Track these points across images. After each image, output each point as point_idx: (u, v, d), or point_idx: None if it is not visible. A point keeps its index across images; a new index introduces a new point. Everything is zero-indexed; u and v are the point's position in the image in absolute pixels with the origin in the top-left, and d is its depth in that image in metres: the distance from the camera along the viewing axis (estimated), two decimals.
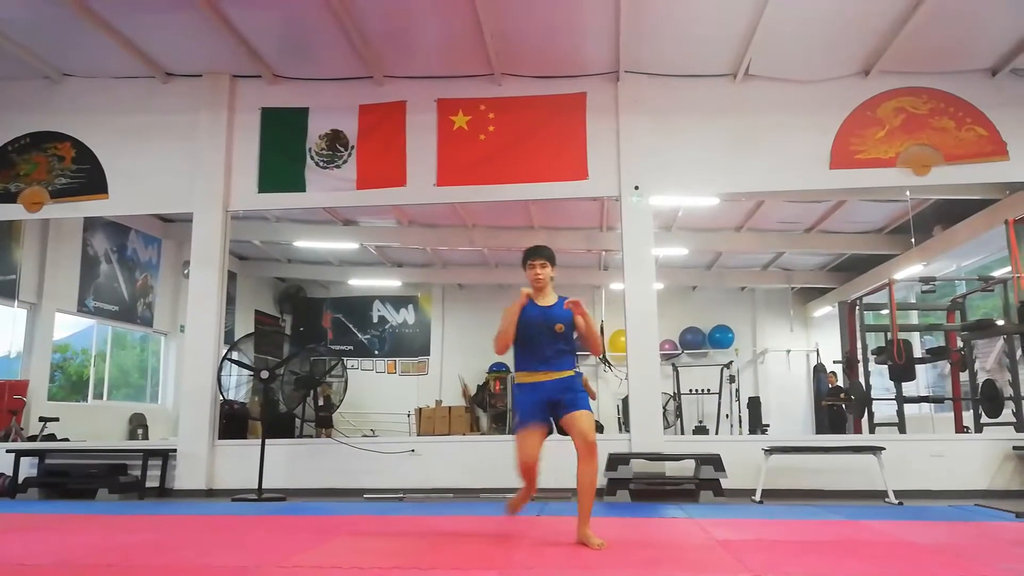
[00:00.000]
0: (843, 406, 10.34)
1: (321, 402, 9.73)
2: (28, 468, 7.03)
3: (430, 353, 15.64)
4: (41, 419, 8.50)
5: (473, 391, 14.87)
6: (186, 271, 10.60)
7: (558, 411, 3.89)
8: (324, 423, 9.97)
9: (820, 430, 12.29)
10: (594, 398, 4.00)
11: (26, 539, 4.22)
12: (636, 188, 7.13)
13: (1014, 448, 6.54)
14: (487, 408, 14.58)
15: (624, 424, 12.49)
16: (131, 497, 6.74)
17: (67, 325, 10.26)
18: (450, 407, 13.77)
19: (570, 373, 3.95)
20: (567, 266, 14.17)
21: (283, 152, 7.49)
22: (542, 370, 3.95)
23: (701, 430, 13.27)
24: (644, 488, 6.35)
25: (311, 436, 9.48)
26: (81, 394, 10.60)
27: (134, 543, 4.00)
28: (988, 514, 5.15)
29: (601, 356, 14.44)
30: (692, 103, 7.32)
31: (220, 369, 6.95)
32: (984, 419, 8.26)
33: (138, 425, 10.80)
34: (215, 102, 7.54)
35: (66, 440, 8.31)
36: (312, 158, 7.46)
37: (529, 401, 3.95)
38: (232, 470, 6.96)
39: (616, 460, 6.42)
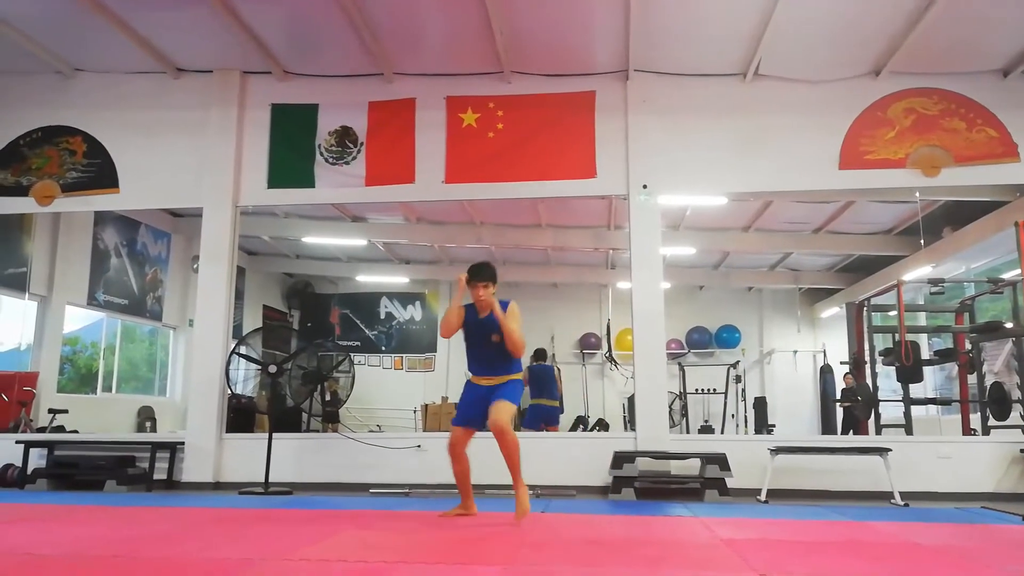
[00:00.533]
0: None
1: (328, 397, 9.77)
2: (37, 459, 7.09)
3: (437, 350, 15.67)
4: (50, 411, 8.57)
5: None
6: (195, 266, 10.65)
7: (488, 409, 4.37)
8: (331, 418, 10.01)
9: (826, 431, 12.26)
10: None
11: (35, 529, 4.26)
12: (644, 187, 7.13)
13: (1021, 451, 6.51)
14: None
15: (629, 422, 12.49)
16: (139, 489, 6.79)
17: (77, 318, 10.33)
18: (456, 404, 13.78)
19: (506, 378, 4.47)
20: (574, 264, 14.18)
21: (292, 148, 7.52)
22: (483, 375, 4.53)
23: (706, 430, 13.26)
24: (649, 486, 6.36)
25: (318, 431, 9.52)
26: (90, 387, 10.67)
27: (142, 535, 4.03)
28: (994, 516, 5.14)
29: (606, 354, 14.49)
30: (701, 102, 7.30)
31: (228, 363, 6.99)
32: (991, 422, 8.22)
33: (146, 418, 10.87)
34: (225, 98, 7.58)
35: (75, 432, 8.37)
36: (321, 154, 7.49)
37: (466, 401, 4.55)
38: (239, 463, 7.00)
39: (621, 458, 6.43)
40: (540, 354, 10.15)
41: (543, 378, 9.76)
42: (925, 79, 7.08)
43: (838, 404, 11.77)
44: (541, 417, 9.65)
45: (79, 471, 6.96)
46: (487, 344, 4.47)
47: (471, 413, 4.51)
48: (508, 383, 4.47)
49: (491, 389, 4.46)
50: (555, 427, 9.95)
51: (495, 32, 6.64)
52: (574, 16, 6.65)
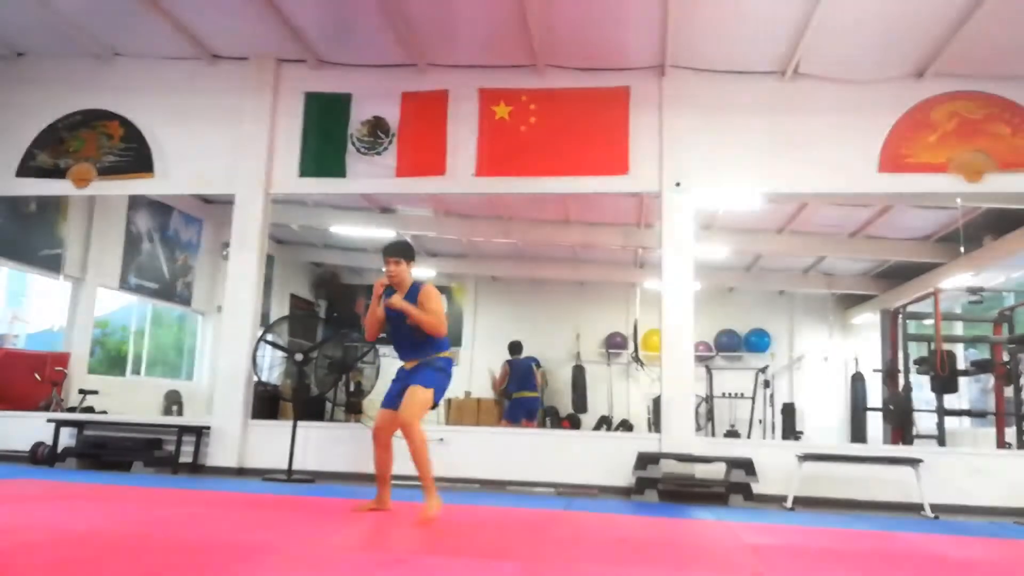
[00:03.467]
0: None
1: (352, 388, 9.81)
2: (67, 438, 7.19)
3: (461, 344, 15.66)
4: (81, 391, 8.70)
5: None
6: (225, 252, 10.75)
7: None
8: (354, 408, 10.04)
9: (856, 439, 12.04)
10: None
11: (64, 508, 4.31)
12: (678, 185, 7.03)
13: None
14: None
15: (654, 424, 12.37)
16: (165, 471, 6.86)
17: (108, 301, 10.48)
18: (479, 399, 13.77)
19: (424, 360, 4.35)
20: (602, 262, 14.08)
21: (325, 137, 7.53)
22: (406, 358, 4.45)
23: (732, 435, 13.09)
24: (673, 489, 6.28)
25: (341, 420, 9.56)
26: (120, 369, 10.82)
27: (168, 516, 4.06)
28: None
29: (632, 354, 14.38)
30: (738, 100, 7.18)
31: (255, 350, 7.03)
32: None
33: (173, 402, 11.00)
34: (260, 85, 7.61)
35: (104, 413, 8.49)
36: (353, 144, 7.49)
37: (393, 385, 4.44)
38: (263, 450, 7.04)
39: (645, 459, 6.35)
40: (516, 347, 10.12)
41: (522, 371, 9.76)
42: (970, 82, 6.89)
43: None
44: (523, 411, 9.68)
45: (107, 451, 7.05)
46: (403, 326, 4.35)
47: (393, 396, 4.36)
48: (424, 366, 4.31)
49: (409, 373, 4.37)
50: (534, 422, 9.99)
51: (530, 24, 6.59)
52: (610, 10, 6.56)
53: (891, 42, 6.65)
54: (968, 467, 6.47)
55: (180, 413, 10.81)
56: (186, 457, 7.05)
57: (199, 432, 7.16)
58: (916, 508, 5.99)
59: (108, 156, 7.78)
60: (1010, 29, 6.25)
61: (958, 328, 9.89)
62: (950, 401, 8.89)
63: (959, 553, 3.96)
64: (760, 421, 13.52)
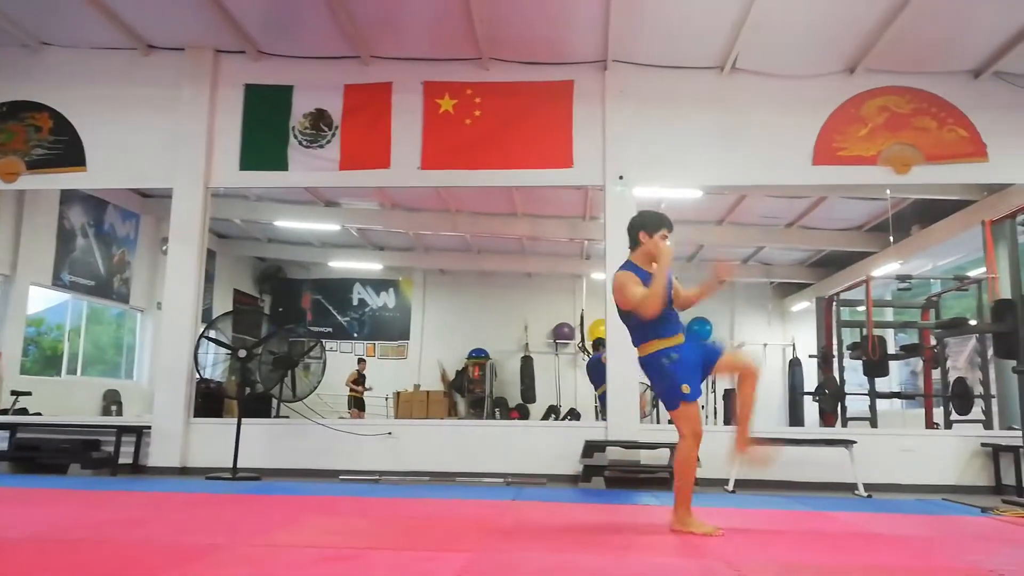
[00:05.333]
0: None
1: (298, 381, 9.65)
2: None
3: (410, 337, 15.62)
4: (13, 393, 8.40)
5: (452, 376, 14.88)
6: (164, 248, 10.48)
7: None
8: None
9: (794, 423, 12.43)
10: None
11: None
12: (621, 178, 7.14)
13: (982, 445, 6.66)
14: (465, 393, 14.61)
15: (601, 412, 12.55)
16: (103, 473, 6.68)
17: (42, 299, 10.12)
18: (428, 392, 13.77)
19: None
20: (549, 254, 14.19)
21: (266, 129, 7.40)
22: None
23: None
24: (619, 475, 6.40)
25: (287, 416, 9.44)
26: (55, 369, 10.48)
27: (107, 519, 3.97)
28: (955, 508, 5.25)
29: (579, 344, 14.54)
30: (679, 94, 7.32)
31: (197, 347, 6.89)
32: (954, 416, 8.40)
33: (112, 401, 10.71)
34: (197, 77, 7.43)
35: (38, 415, 8.21)
36: (295, 137, 7.38)
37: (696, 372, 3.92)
38: (207, 448, 6.91)
39: (592, 447, 6.46)
40: None
41: None
42: (898, 78, 7.17)
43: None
44: None
45: (42, 454, 6.83)
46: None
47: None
48: None
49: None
50: None
51: (474, 18, 6.59)
52: (553, 4, 6.61)
53: (824, 39, 6.87)
54: (898, 447, 6.76)
55: (119, 413, 10.52)
56: (126, 458, 6.88)
57: (139, 432, 7.00)
58: (850, 488, 6.23)
59: (37, 149, 7.50)
60: (936, 27, 6.52)
61: (888, 314, 10.29)
62: (881, 384, 9.27)
63: (892, 530, 4.14)
64: (703, 407, 13.82)
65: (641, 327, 3.78)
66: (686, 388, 3.69)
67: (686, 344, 3.79)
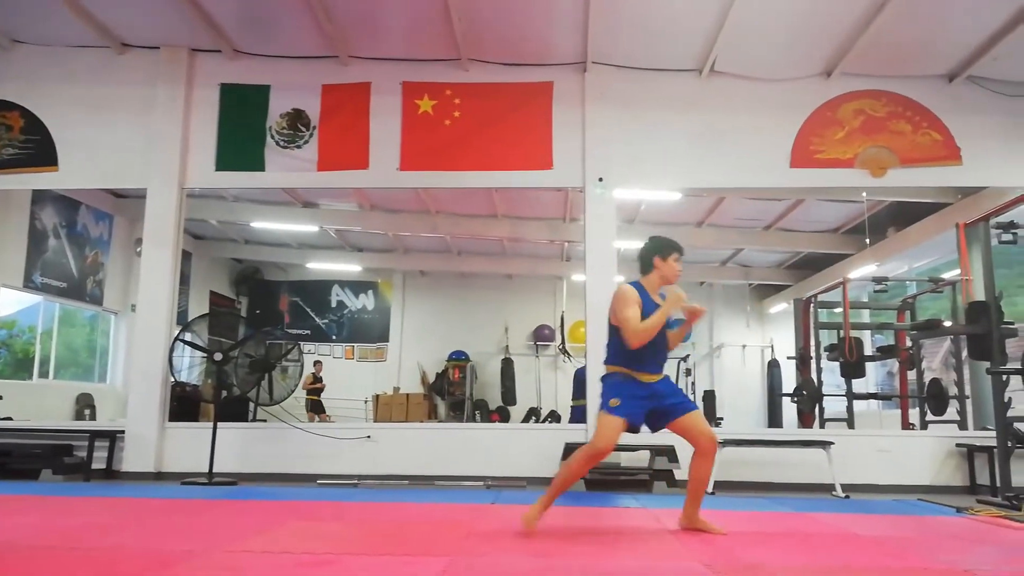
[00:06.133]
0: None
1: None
2: None
3: (389, 339, 15.53)
4: None
5: (432, 379, 14.82)
6: (138, 249, 10.33)
7: None
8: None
9: (773, 424, 12.53)
10: None
11: None
12: (600, 180, 7.14)
13: (957, 445, 6.73)
14: (445, 396, 14.55)
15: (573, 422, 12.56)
16: (76, 479, 6.56)
17: (13, 301, 9.93)
18: (408, 394, 13.71)
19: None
20: (530, 256, 14.19)
21: (242, 130, 7.32)
22: (656, 372, 3.93)
23: None
24: (599, 478, 6.39)
25: (264, 420, 9.34)
26: (26, 372, 10.29)
27: (78, 525, 3.89)
28: (930, 508, 5.30)
29: (560, 346, 14.55)
30: (658, 97, 7.34)
31: (172, 350, 6.80)
32: (929, 416, 8.50)
33: (85, 405, 10.53)
34: (172, 76, 7.33)
35: (9, 419, 8.04)
36: (272, 137, 7.31)
37: (641, 403, 3.91)
38: (182, 453, 6.82)
39: (572, 450, 6.42)
40: None
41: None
42: (874, 81, 7.24)
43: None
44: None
45: (12, 459, 6.68)
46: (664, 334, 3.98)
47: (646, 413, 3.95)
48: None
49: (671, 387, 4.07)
50: None
51: (453, 19, 6.57)
52: (533, 5, 6.61)
53: (801, 42, 6.92)
54: (875, 448, 6.82)
55: (93, 417, 10.35)
56: (99, 463, 6.76)
57: (113, 437, 6.89)
58: (828, 488, 6.28)
59: (7, 148, 7.37)
60: (911, 31, 6.59)
61: (865, 316, 10.39)
62: (858, 385, 9.36)
63: (869, 530, 4.17)
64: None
65: (618, 349, 3.83)
66: (614, 402, 3.73)
67: (653, 384, 3.82)
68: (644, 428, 3.86)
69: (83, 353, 11.62)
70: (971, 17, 6.41)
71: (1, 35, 7.31)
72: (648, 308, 3.75)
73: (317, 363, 13.62)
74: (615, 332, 3.83)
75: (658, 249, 3.91)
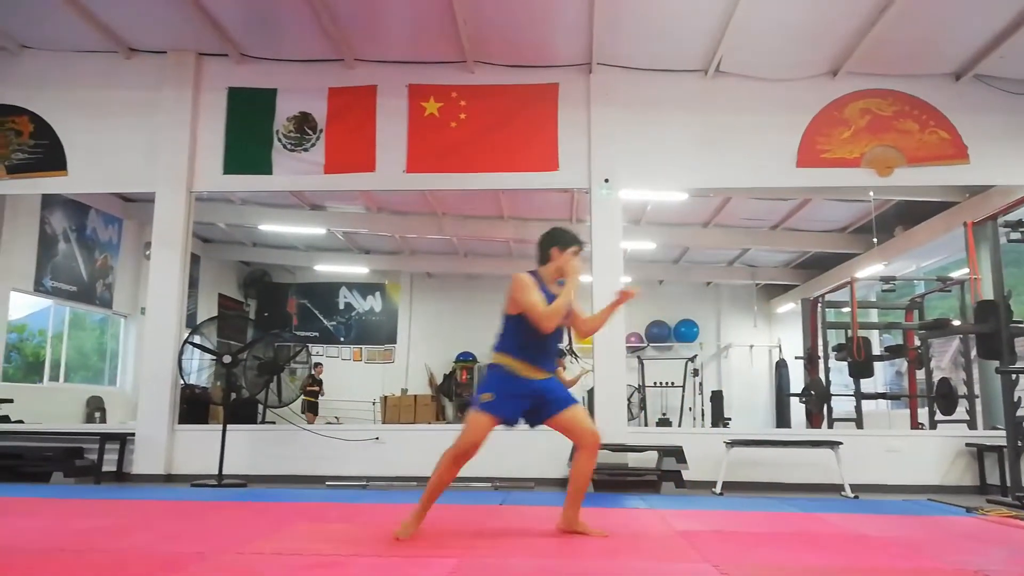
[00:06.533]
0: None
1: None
2: None
3: (397, 341, 15.56)
4: None
5: (440, 380, 14.84)
6: (147, 252, 10.39)
7: None
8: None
9: (781, 424, 12.50)
10: None
11: None
12: (606, 181, 7.14)
13: (966, 445, 6.71)
14: (453, 397, 14.57)
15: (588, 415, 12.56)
16: (87, 481, 6.60)
17: (23, 305, 10.00)
18: (416, 396, 13.73)
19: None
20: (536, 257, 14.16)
21: (249, 133, 7.36)
22: (546, 368, 3.84)
23: (664, 423, 13.41)
24: (607, 479, 6.39)
25: (273, 422, 9.38)
26: (37, 375, 10.35)
27: (89, 528, 3.92)
28: (940, 508, 5.28)
29: (566, 347, 14.55)
30: (664, 98, 7.35)
31: (181, 353, 6.83)
32: (938, 416, 8.47)
33: (96, 408, 10.59)
34: (180, 80, 7.38)
35: (20, 422, 8.10)
36: (279, 140, 7.34)
37: (520, 402, 3.84)
38: (192, 455, 6.85)
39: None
40: None
41: None
42: (880, 80, 7.22)
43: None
44: None
45: (24, 462, 6.73)
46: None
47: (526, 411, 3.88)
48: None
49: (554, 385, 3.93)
50: None
51: (459, 21, 6.58)
52: (538, 7, 6.62)
53: (807, 42, 6.91)
54: (884, 448, 6.81)
55: (103, 420, 10.41)
56: (110, 466, 6.81)
57: (123, 439, 6.93)
58: (837, 488, 6.26)
59: (17, 153, 7.42)
60: (917, 30, 6.58)
61: (873, 315, 10.36)
62: (867, 385, 9.33)
63: (878, 531, 4.16)
64: (690, 409, 13.89)
65: (512, 339, 3.73)
66: (487, 396, 3.63)
67: (536, 381, 3.69)
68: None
69: (93, 356, 11.68)
70: (978, 15, 6.39)
71: (9, 40, 7.36)
72: (546, 298, 3.67)
73: (318, 366, 13.68)
74: (510, 321, 3.75)
75: (557, 240, 3.82)
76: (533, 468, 6.77)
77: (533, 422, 3.78)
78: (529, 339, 3.65)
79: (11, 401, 8.39)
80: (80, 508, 4.82)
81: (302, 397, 12.53)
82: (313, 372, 13.24)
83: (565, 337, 14.42)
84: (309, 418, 12.45)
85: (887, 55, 6.92)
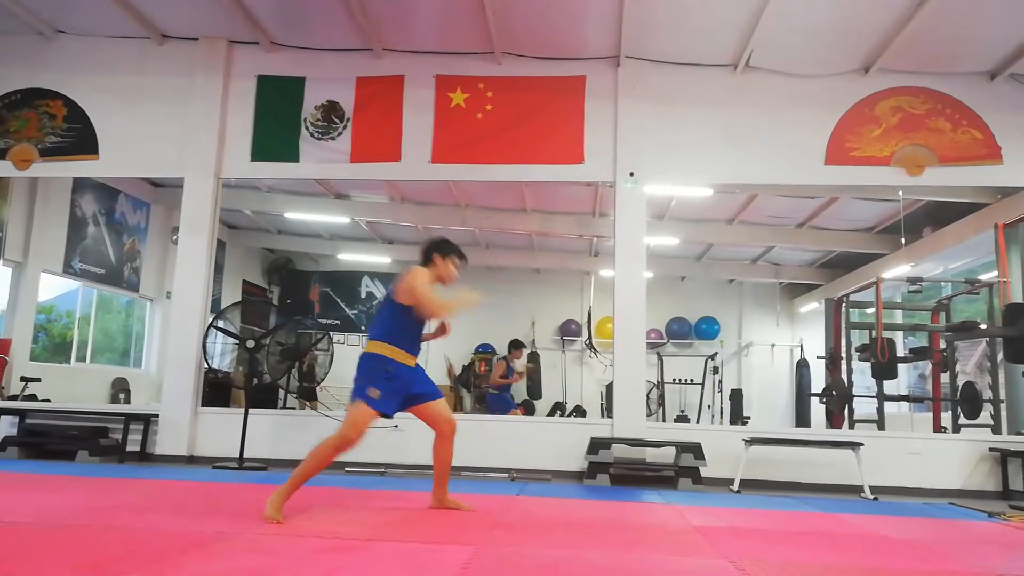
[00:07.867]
0: None
1: (304, 369, 9.71)
2: (8, 427, 7.00)
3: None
4: (23, 379, 8.45)
5: (458, 371, 14.89)
6: (175, 237, 10.52)
7: None
8: (307, 395, 9.96)
9: (800, 424, 12.40)
10: None
11: (5, 497, 4.20)
12: (631, 175, 7.12)
13: (990, 449, 6.62)
14: (471, 388, 14.61)
15: (607, 409, 12.56)
16: (111, 460, 6.72)
17: (52, 286, 10.18)
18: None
19: None
20: (558, 250, 14.18)
21: (278, 121, 7.42)
22: (415, 354, 4.17)
23: (682, 419, 13.37)
24: (624, 473, 6.40)
25: (294, 408, 9.48)
26: (64, 356, 10.54)
27: (113, 505, 3.99)
28: (961, 512, 5.23)
29: (586, 341, 14.53)
30: (691, 92, 7.29)
31: (206, 337, 6.92)
32: (962, 420, 8.36)
33: (120, 389, 10.76)
34: (211, 67, 7.45)
35: (47, 401, 8.27)
36: (307, 128, 7.39)
37: (393, 384, 4.11)
38: (214, 438, 6.95)
39: (598, 444, 6.45)
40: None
41: None
42: (913, 78, 7.11)
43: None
44: None
45: (51, 440, 6.88)
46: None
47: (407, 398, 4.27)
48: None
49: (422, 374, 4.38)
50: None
51: (487, 12, 6.58)
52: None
53: (838, 38, 6.82)
54: (905, 450, 6.73)
55: (128, 401, 10.58)
56: (133, 446, 6.93)
57: (147, 420, 7.04)
58: (856, 490, 6.21)
59: (51, 137, 7.54)
60: (952, 28, 6.47)
61: (898, 316, 10.23)
62: (889, 387, 9.23)
63: (898, 533, 4.12)
64: (709, 406, 13.83)
65: (389, 327, 3.96)
66: (375, 393, 3.80)
67: (410, 369, 4.01)
68: None
69: (119, 338, 11.87)
70: (1014, 14, 6.27)
71: (45, 25, 7.48)
72: None
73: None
74: (396, 309, 3.94)
75: (439, 248, 4.15)
76: (550, 460, 6.79)
77: (400, 409, 4.04)
78: (406, 328, 3.96)
79: (39, 380, 8.55)
80: (104, 486, 4.91)
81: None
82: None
83: (585, 332, 14.43)
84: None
85: (921, 52, 6.81)
